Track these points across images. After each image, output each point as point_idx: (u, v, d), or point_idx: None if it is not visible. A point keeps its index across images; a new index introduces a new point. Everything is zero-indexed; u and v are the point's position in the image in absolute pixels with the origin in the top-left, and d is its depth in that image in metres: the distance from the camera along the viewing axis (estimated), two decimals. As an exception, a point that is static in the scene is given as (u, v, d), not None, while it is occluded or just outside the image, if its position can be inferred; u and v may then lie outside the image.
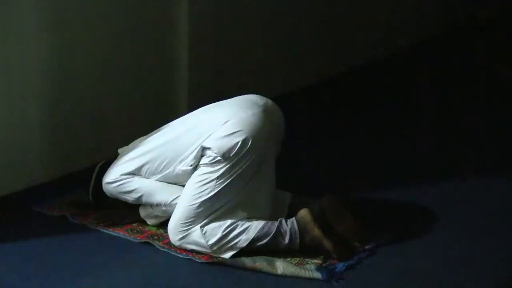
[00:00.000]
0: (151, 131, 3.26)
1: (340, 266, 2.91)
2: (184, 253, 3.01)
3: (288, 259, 2.94)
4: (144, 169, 3.11)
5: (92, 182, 3.27)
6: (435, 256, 3.06)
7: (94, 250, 3.07)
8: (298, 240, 2.96)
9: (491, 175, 3.96)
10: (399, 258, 3.02)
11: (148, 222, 3.23)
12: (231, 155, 2.93)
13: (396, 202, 3.58)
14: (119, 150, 3.30)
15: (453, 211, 3.49)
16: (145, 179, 3.12)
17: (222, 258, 2.96)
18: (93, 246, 3.10)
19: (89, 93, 3.91)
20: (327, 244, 2.93)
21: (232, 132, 2.94)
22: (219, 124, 2.97)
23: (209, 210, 2.97)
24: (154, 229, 3.21)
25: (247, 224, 2.97)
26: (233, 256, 2.96)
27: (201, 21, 4.47)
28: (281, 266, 2.87)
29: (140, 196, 3.12)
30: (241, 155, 2.93)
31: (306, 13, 5.64)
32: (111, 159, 3.26)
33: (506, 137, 4.65)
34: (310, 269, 2.86)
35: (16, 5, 3.45)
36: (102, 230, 3.22)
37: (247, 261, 2.91)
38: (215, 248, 2.96)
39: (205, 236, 2.96)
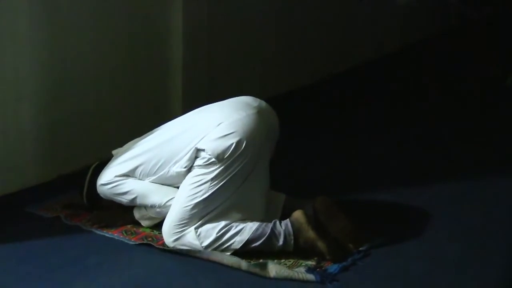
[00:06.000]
0: (145, 133, 3.26)
1: (334, 267, 2.91)
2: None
3: (282, 260, 2.94)
4: (138, 171, 3.11)
5: (86, 183, 3.27)
6: (429, 257, 3.06)
7: (88, 251, 3.06)
8: (292, 241, 2.96)
9: (487, 176, 3.96)
10: (393, 259, 3.02)
11: (142, 224, 3.22)
12: (225, 156, 2.93)
13: (391, 203, 3.58)
14: (113, 152, 3.29)
15: (448, 212, 3.49)
16: (139, 180, 3.12)
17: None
18: (87, 248, 3.09)
19: (83, 95, 3.91)
20: (321, 245, 2.93)
21: (226, 133, 2.94)
22: (213, 126, 2.97)
23: (203, 211, 2.97)
24: (148, 231, 3.21)
25: (241, 225, 2.97)
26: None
27: (195, 22, 4.47)
28: (274, 270, 2.86)
29: (134, 198, 3.12)
30: (235, 156, 2.93)
31: (301, 13, 5.65)
32: (105, 160, 3.26)
33: (501, 137, 4.66)
34: (303, 272, 2.86)
35: (8, 6, 3.44)
36: (96, 231, 3.21)
37: (241, 267, 2.91)
38: (209, 250, 2.96)
39: (199, 237, 2.96)
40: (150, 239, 3.13)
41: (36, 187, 3.68)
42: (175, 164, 3.03)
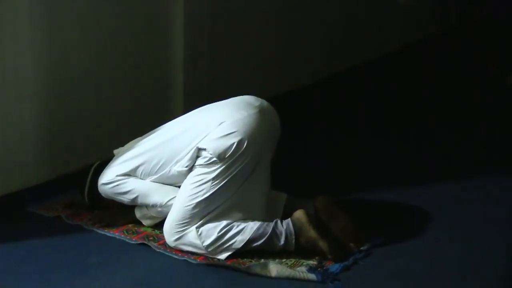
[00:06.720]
0: (146, 132, 3.26)
1: (336, 267, 2.91)
2: (180, 254, 3.01)
3: (284, 260, 2.95)
4: (139, 170, 3.11)
5: (88, 183, 3.27)
6: (430, 257, 3.06)
7: (89, 251, 3.06)
8: (293, 241, 2.96)
9: (487, 176, 3.96)
10: (394, 259, 3.03)
11: (143, 223, 3.22)
12: (227, 156, 2.93)
13: (392, 203, 3.58)
14: (115, 151, 3.30)
15: (448, 212, 3.50)
16: (140, 180, 3.12)
17: (218, 259, 2.96)
18: (88, 247, 3.09)
19: (84, 94, 3.91)
20: (322, 245, 2.93)
21: (227, 133, 2.94)
22: (214, 125, 2.97)
23: (204, 211, 2.97)
24: (149, 230, 3.21)
25: (242, 225, 2.97)
26: (228, 257, 2.96)
27: (196, 22, 4.47)
28: (275, 270, 2.86)
29: (136, 197, 3.12)
30: (236, 156, 2.93)
31: (301, 13, 5.65)
32: (106, 160, 3.26)
33: (501, 137, 4.67)
34: (304, 271, 2.86)
35: (8, 6, 3.44)
36: (97, 231, 3.21)
37: (241, 267, 2.91)
38: (210, 249, 2.96)
39: (201, 237, 2.96)
40: (151, 238, 3.13)
41: (37, 186, 3.68)
42: (177, 163, 3.03)
